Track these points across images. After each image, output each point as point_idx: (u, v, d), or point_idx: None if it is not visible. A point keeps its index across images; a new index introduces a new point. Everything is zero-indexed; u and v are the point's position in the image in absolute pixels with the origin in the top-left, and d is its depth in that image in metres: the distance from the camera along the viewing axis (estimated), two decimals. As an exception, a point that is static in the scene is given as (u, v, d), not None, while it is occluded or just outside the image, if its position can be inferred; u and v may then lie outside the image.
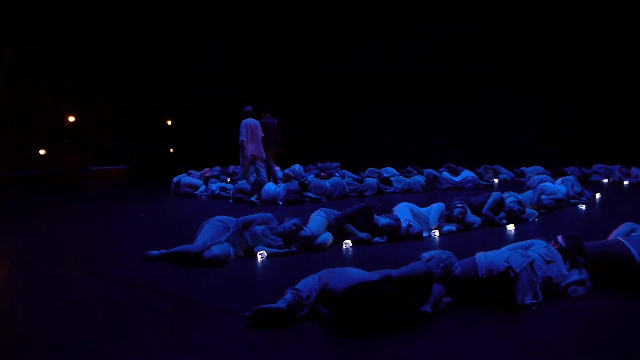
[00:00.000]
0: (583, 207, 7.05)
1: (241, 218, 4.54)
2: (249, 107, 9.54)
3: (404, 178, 9.48)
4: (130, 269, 4.14)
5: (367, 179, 9.12)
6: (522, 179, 10.93)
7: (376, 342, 2.57)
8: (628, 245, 3.29)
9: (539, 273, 3.16)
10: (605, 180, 10.64)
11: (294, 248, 4.54)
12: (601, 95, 14.69)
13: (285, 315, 2.79)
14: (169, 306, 3.25)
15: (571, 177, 8.30)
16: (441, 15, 16.52)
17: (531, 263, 3.15)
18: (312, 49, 18.44)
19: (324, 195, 8.28)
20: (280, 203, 7.81)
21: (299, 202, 7.97)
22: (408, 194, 9.17)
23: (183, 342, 2.64)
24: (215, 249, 4.18)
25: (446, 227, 5.34)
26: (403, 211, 5.31)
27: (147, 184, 11.67)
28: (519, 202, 5.97)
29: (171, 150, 15.77)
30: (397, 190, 9.31)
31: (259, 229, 4.50)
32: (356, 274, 2.77)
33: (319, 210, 5.03)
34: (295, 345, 2.58)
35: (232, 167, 12.57)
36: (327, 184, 8.44)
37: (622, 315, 2.97)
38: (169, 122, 16.32)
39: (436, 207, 5.42)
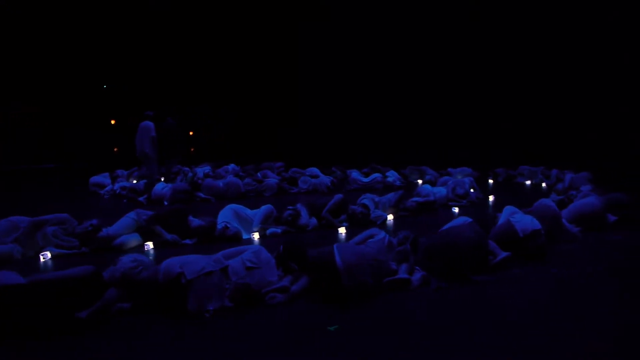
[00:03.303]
0: (456, 210, 6.92)
1: (35, 218, 4.56)
2: (147, 112, 10.36)
3: (310, 179, 9.42)
4: None
5: (267, 179, 9.08)
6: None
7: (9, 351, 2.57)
8: (335, 251, 3.23)
9: (234, 279, 3.13)
10: (528, 182, 10.43)
11: (84, 249, 4.55)
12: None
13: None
14: None
15: (464, 180, 8.18)
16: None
17: (223, 269, 3.12)
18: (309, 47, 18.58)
19: (216, 195, 8.27)
20: (166, 203, 7.82)
21: (188, 202, 7.96)
22: (313, 194, 9.11)
23: None
24: (-9, 249, 4.21)
25: (270, 230, 5.29)
26: (225, 213, 5.28)
27: (74, 183, 11.78)
28: (364, 205, 5.90)
29: (115, 149, 15.91)
30: (302, 190, 9.26)
31: (50, 229, 4.52)
32: (9, 277, 2.76)
33: (131, 212, 5.03)
34: None
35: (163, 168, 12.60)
36: (220, 184, 8.43)
37: (303, 324, 2.92)
38: (113, 122, 16.46)
39: (262, 210, 5.39)
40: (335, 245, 3.28)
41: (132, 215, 4.95)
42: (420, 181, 11.02)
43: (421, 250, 3.69)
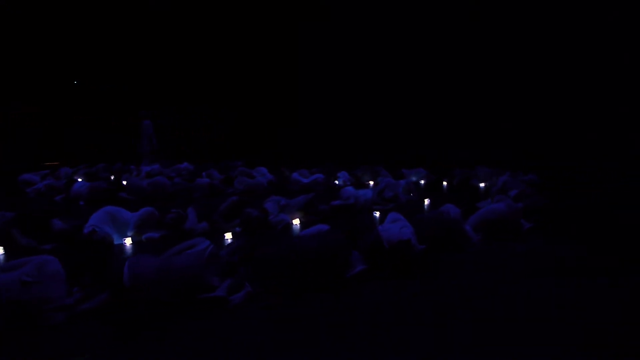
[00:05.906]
0: (377, 214, 6.47)
1: None
2: (142, 111, 11.91)
3: (246, 179, 9.01)
4: None
5: (199, 179, 8.68)
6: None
7: None
8: (126, 266, 2.82)
9: (4, 295, 2.71)
10: (482, 185, 9.95)
11: None
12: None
13: None
14: None
15: (400, 182, 7.76)
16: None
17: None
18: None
19: (141, 196, 7.85)
20: (81, 202, 7.43)
21: (109, 202, 7.56)
22: (248, 195, 8.69)
23: None
24: None
25: (148, 234, 4.88)
26: (98, 216, 4.87)
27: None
28: (262, 209, 5.48)
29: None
30: (237, 191, 8.83)
31: None
32: None
33: (-11, 213, 4.63)
34: None
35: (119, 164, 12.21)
36: (144, 184, 8.02)
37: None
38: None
39: (140, 212, 4.98)
40: (129, 259, 2.86)
41: (-12, 217, 4.55)
42: (372, 182, 10.59)
43: (256, 263, 3.26)
